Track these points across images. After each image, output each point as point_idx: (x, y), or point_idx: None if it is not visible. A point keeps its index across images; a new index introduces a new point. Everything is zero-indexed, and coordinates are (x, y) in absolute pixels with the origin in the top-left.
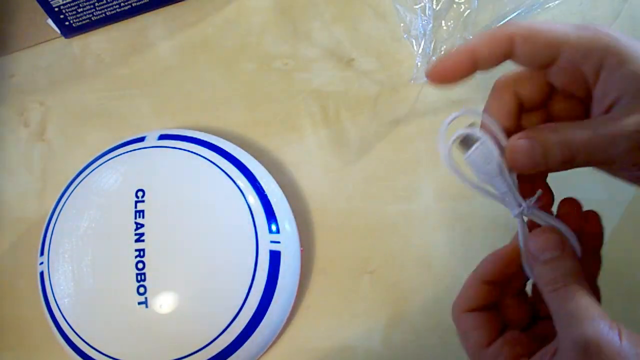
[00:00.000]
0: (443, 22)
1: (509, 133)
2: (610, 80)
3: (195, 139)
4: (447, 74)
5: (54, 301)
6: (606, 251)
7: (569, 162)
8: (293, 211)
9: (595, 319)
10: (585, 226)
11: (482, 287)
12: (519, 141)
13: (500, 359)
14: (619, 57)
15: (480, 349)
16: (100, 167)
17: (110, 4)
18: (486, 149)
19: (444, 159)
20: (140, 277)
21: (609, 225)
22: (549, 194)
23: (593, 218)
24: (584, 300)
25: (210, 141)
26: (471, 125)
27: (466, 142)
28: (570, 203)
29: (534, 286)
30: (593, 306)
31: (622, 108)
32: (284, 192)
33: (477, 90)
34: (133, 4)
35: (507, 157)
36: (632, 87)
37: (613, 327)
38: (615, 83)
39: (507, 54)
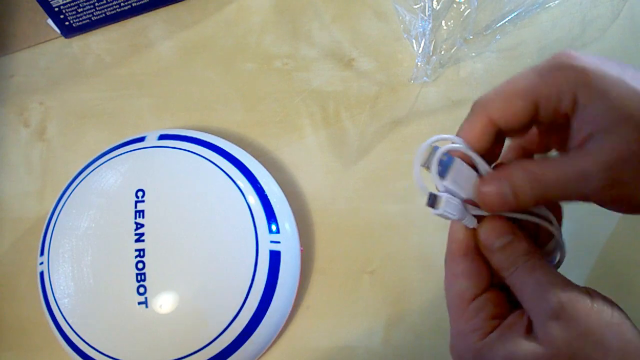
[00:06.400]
0: (443, 22)
1: (485, 156)
2: (583, 116)
3: (195, 139)
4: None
5: (54, 301)
6: (605, 251)
7: (541, 200)
8: (293, 211)
9: (566, 285)
10: None
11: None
12: (487, 184)
13: (480, 316)
14: (590, 92)
15: (462, 301)
16: (100, 167)
17: (110, 4)
18: (462, 167)
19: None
20: (140, 277)
21: (608, 226)
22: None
23: None
24: (549, 271)
25: (210, 141)
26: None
27: (440, 167)
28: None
29: None
30: (558, 275)
31: (594, 144)
32: (284, 192)
33: (477, 90)
34: (133, 4)
35: (478, 199)
36: (603, 123)
37: (582, 291)
38: (588, 118)
39: (494, 135)
